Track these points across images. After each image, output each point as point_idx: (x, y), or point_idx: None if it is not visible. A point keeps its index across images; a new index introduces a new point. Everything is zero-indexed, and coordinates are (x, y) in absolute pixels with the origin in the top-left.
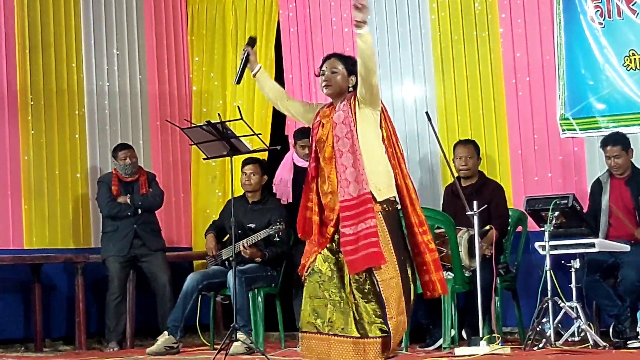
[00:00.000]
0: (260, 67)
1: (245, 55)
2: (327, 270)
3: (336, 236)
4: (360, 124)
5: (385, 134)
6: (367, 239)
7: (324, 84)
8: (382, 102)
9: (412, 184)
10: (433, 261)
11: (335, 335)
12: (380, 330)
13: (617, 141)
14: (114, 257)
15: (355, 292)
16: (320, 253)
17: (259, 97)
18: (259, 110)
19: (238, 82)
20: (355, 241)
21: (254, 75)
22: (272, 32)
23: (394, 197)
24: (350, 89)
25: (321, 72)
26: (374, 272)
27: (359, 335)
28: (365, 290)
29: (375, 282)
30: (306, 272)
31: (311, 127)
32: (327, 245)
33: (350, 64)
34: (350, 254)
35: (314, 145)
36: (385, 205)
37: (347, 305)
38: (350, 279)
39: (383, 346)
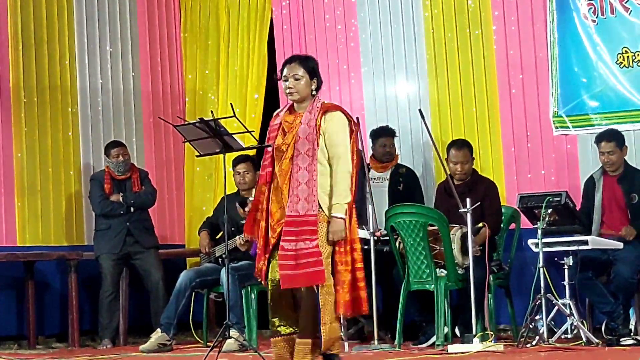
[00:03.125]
0: None
1: None
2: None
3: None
4: (320, 143)
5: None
6: (308, 258)
7: (288, 92)
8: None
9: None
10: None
11: (292, 334)
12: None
13: (612, 137)
14: (107, 255)
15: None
16: (270, 262)
17: (250, 95)
18: (250, 108)
19: None
20: (295, 257)
21: None
22: (265, 30)
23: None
24: (314, 92)
25: (283, 77)
26: None
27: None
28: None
29: (315, 288)
30: (265, 280)
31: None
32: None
33: (310, 66)
34: (287, 269)
35: (271, 150)
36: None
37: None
38: None
39: (312, 347)
